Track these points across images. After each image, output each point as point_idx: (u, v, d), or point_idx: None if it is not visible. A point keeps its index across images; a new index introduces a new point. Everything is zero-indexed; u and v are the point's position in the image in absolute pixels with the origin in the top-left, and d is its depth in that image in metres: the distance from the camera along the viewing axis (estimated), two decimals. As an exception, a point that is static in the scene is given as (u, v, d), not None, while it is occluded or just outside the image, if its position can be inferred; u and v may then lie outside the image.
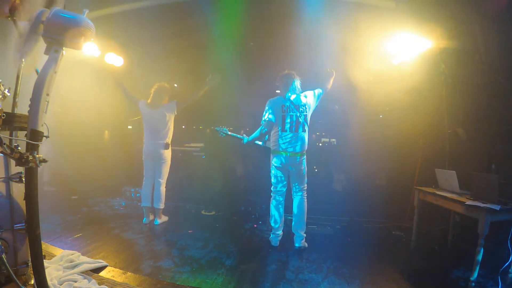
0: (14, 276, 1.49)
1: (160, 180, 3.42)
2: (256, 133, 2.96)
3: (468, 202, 2.14)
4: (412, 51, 3.09)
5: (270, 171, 2.98)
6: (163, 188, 3.43)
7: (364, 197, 3.93)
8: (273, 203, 2.96)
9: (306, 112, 2.85)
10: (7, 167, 1.69)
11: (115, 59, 4.05)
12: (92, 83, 4.35)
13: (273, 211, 2.95)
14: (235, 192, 4.40)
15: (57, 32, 1.34)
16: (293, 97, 2.85)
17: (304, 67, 3.45)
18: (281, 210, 2.94)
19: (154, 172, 3.44)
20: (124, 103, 4.51)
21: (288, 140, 2.83)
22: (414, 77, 3.30)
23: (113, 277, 2.07)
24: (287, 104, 2.84)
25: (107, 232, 3.01)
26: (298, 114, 2.82)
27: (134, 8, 3.52)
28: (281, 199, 2.95)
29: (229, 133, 3.16)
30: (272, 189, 2.98)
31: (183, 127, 3.75)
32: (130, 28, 3.74)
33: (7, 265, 1.48)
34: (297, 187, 2.92)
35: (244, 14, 3.45)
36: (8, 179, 1.68)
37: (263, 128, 2.90)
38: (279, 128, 2.84)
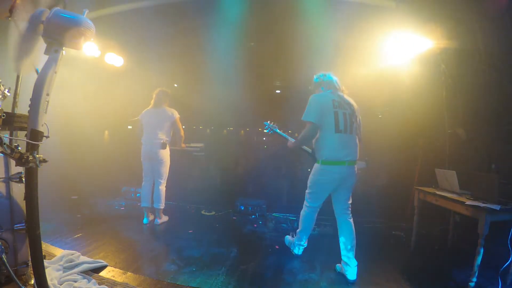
0: (14, 276, 1.49)
1: (159, 180, 3.41)
2: (303, 136, 2.40)
3: (468, 202, 2.13)
4: (412, 51, 3.09)
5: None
6: (162, 188, 3.43)
7: (364, 197, 3.93)
8: (309, 216, 2.52)
9: (357, 113, 2.42)
10: (7, 167, 1.69)
11: (115, 59, 4.06)
12: (92, 83, 4.36)
13: (308, 223, 2.54)
14: (235, 192, 4.40)
15: (57, 32, 1.34)
16: (340, 93, 2.45)
17: (304, 67, 3.45)
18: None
19: (153, 173, 3.44)
20: (124, 104, 4.52)
21: (344, 144, 2.30)
22: (414, 77, 3.30)
23: (113, 277, 2.07)
24: (337, 99, 2.36)
25: (107, 232, 3.01)
26: (351, 112, 2.35)
27: (134, 8, 3.52)
28: (316, 214, 2.53)
29: (278, 131, 2.83)
30: (309, 204, 2.50)
31: (183, 127, 3.78)
32: (130, 28, 3.74)
33: (7, 265, 1.48)
34: (346, 204, 2.40)
35: (244, 14, 3.46)
36: (8, 179, 1.68)
37: (311, 129, 2.32)
38: (332, 128, 2.27)
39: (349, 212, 2.41)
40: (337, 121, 2.27)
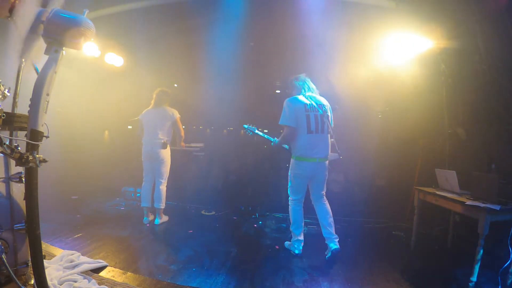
0: (14, 276, 1.49)
1: (160, 180, 3.41)
2: (283, 138, 2.69)
3: (468, 202, 2.13)
4: (412, 51, 3.09)
5: (287, 176, 2.75)
6: (163, 188, 3.43)
7: (364, 197, 3.93)
8: (296, 209, 2.73)
9: (328, 112, 2.66)
10: (7, 167, 1.69)
11: (115, 59, 4.06)
12: (92, 83, 4.35)
13: (297, 216, 2.72)
14: (235, 192, 4.40)
15: (57, 32, 1.34)
16: (312, 95, 2.67)
17: (304, 67, 3.45)
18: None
19: (153, 173, 3.44)
20: (124, 104, 4.52)
21: (315, 143, 2.58)
22: (414, 77, 3.30)
23: (113, 277, 2.07)
24: (309, 102, 2.61)
25: (107, 232, 3.01)
26: (322, 113, 2.60)
27: (134, 8, 3.53)
28: (301, 205, 2.74)
29: (257, 132, 2.97)
30: (292, 197, 2.75)
31: (183, 127, 3.78)
32: (130, 28, 3.74)
33: (7, 265, 1.48)
34: (319, 194, 2.71)
35: (244, 14, 3.46)
36: (8, 179, 1.68)
37: (289, 131, 2.60)
38: (304, 129, 2.56)
39: (324, 198, 2.72)
40: (309, 123, 2.56)
